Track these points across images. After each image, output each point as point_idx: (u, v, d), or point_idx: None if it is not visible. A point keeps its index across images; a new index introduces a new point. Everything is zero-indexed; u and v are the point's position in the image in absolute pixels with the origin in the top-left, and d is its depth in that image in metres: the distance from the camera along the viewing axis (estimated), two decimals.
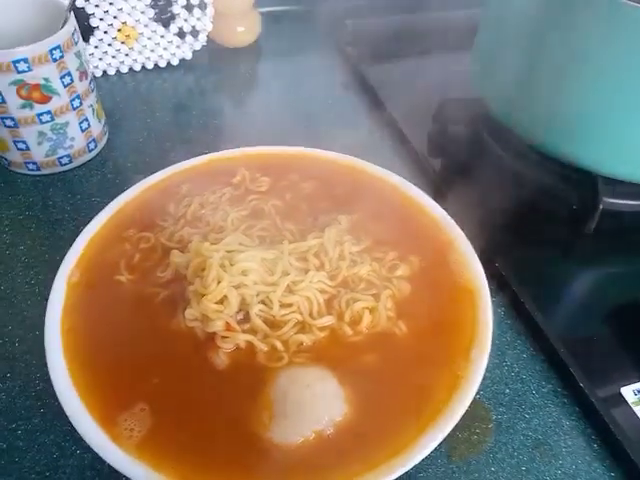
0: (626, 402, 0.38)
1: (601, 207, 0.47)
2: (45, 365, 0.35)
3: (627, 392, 0.39)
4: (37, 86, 0.49)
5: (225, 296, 0.37)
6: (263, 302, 0.38)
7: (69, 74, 0.50)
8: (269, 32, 0.75)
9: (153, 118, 0.64)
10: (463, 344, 0.36)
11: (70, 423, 0.33)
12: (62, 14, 0.50)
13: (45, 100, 0.50)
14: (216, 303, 0.36)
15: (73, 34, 0.50)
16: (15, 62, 0.46)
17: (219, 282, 0.37)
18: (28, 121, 0.50)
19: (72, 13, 0.51)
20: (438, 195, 0.47)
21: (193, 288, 0.37)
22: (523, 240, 0.49)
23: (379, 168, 0.49)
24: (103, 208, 0.45)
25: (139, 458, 0.31)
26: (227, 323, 0.36)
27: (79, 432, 0.32)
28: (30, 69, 0.47)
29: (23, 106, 0.49)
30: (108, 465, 0.35)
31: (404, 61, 0.70)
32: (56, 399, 0.34)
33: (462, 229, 0.44)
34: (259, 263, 0.39)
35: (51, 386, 0.34)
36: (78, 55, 0.51)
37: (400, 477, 0.35)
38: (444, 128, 0.58)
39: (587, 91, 0.46)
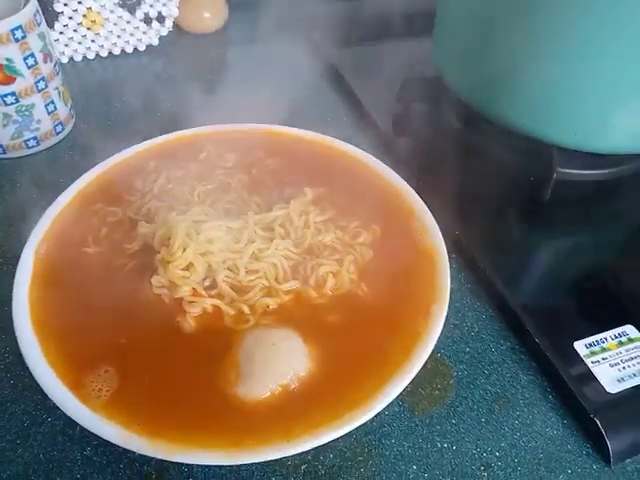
0: (578, 355, 0.40)
1: (555, 176, 0.49)
2: (14, 339, 0.36)
3: (579, 346, 0.41)
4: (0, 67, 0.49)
5: (191, 263, 0.38)
6: (229, 269, 0.39)
7: (32, 55, 0.50)
8: (235, 18, 0.76)
9: (121, 103, 0.64)
10: (423, 303, 0.38)
11: (41, 392, 0.33)
12: None
13: (8, 81, 0.50)
14: (182, 270, 0.37)
15: (35, 15, 0.50)
16: None
17: (185, 249, 0.38)
18: None
19: None
20: (401, 169, 0.49)
21: (160, 256, 0.38)
22: (483, 210, 0.50)
23: (344, 143, 0.51)
24: (70, 185, 0.45)
25: (107, 417, 0.31)
26: (194, 289, 0.37)
27: (46, 393, 0.32)
28: None
29: None
30: (79, 430, 0.36)
31: (369, 45, 0.72)
32: (26, 370, 0.34)
33: (423, 199, 0.45)
34: (225, 232, 0.40)
35: (21, 359, 0.35)
36: (41, 37, 0.51)
37: (365, 430, 0.37)
38: (407, 107, 0.60)
39: (540, 63, 0.47)
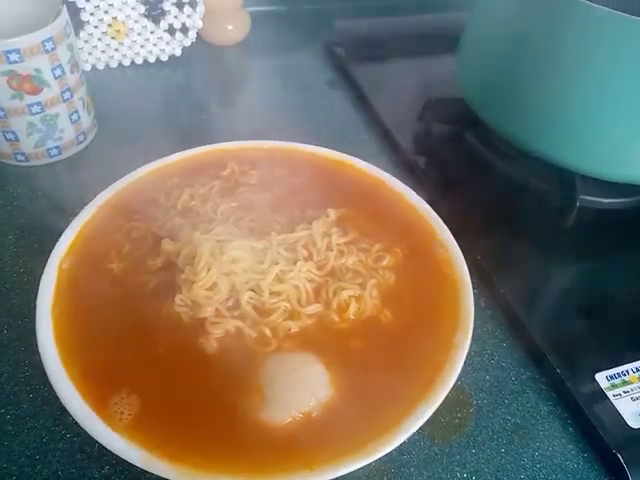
0: (600, 387, 0.40)
1: (578, 204, 0.49)
2: (34, 352, 0.36)
3: (601, 378, 0.40)
4: (28, 77, 0.49)
5: (215, 283, 0.38)
6: (253, 290, 0.39)
7: (60, 66, 0.51)
8: (258, 31, 0.76)
9: (142, 112, 0.64)
10: (446, 331, 0.38)
11: (59, 408, 0.33)
12: (55, 6, 0.51)
13: (36, 91, 0.50)
14: (206, 290, 0.37)
15: (65, 26, 0.50)
16: (7, 53, 0.47)
17: (209, 269, 0.38)
18: (18, 112, 0.51)
19: (64, 6, 0.51)
20: (422, 191, 0.49)
21: (184, 276, 0.38)
22: (504, 235, 0.50)
23: (365, 163, 0.51)
24: (93, 199, 0.45)
25: (129, 439, 0.31)
26: (217, 309, 0.37)
27: (72, 415, 0.32)
28: (22, 60, 0.48)
29: (13, 97, 0.49)
30: (98, 447, 0.36)
31: (390, 62, 0.72)
32: (45, 384, 0.35)
33: (445, 223, 0.45)
34: (249, 252, 0.40)
35: (40, 372, 0.35)
36: (70, 47, 0.52)
37: (384, 459, 0.36)
38: (429, 127, 0.60)
39: (565, 91, 0.47)
